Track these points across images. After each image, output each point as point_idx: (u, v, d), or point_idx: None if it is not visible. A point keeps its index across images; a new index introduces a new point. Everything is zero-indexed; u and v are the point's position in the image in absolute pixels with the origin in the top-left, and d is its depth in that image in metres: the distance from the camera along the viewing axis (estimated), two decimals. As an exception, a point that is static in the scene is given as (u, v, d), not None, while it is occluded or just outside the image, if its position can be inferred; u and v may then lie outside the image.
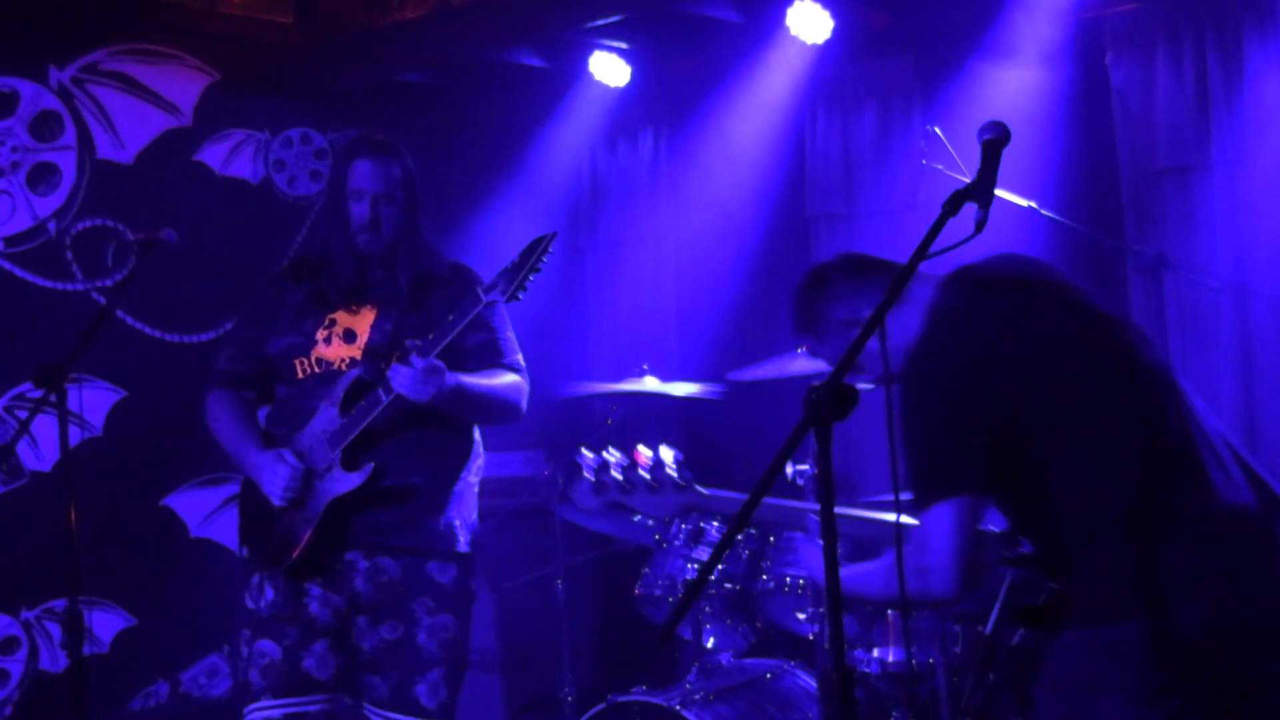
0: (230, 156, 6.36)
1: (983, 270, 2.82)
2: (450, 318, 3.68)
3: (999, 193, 2.64)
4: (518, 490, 5.77)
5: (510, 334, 4.03)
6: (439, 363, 3.68)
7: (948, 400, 2.64)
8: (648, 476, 3.10)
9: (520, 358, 4.03)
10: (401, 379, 3.66)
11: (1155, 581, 2.57)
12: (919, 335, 2.75)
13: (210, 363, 4.12)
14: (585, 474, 3.13)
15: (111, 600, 5.90)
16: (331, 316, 3.92)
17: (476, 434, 4.02)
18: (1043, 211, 4.76)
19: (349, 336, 3.89)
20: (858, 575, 2.84)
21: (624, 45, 6.01)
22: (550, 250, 3.66)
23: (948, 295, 2.76)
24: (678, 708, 4.20)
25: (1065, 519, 2.63)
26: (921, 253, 2.51)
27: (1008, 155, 2.70)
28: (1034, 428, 2.62)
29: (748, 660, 4.79)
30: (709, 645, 4.85)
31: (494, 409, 3.92)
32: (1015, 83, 5.37)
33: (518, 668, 5.88)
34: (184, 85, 6.25)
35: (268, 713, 3.80)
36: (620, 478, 3.11)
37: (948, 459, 2.62)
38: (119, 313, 5.97)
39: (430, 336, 3.68)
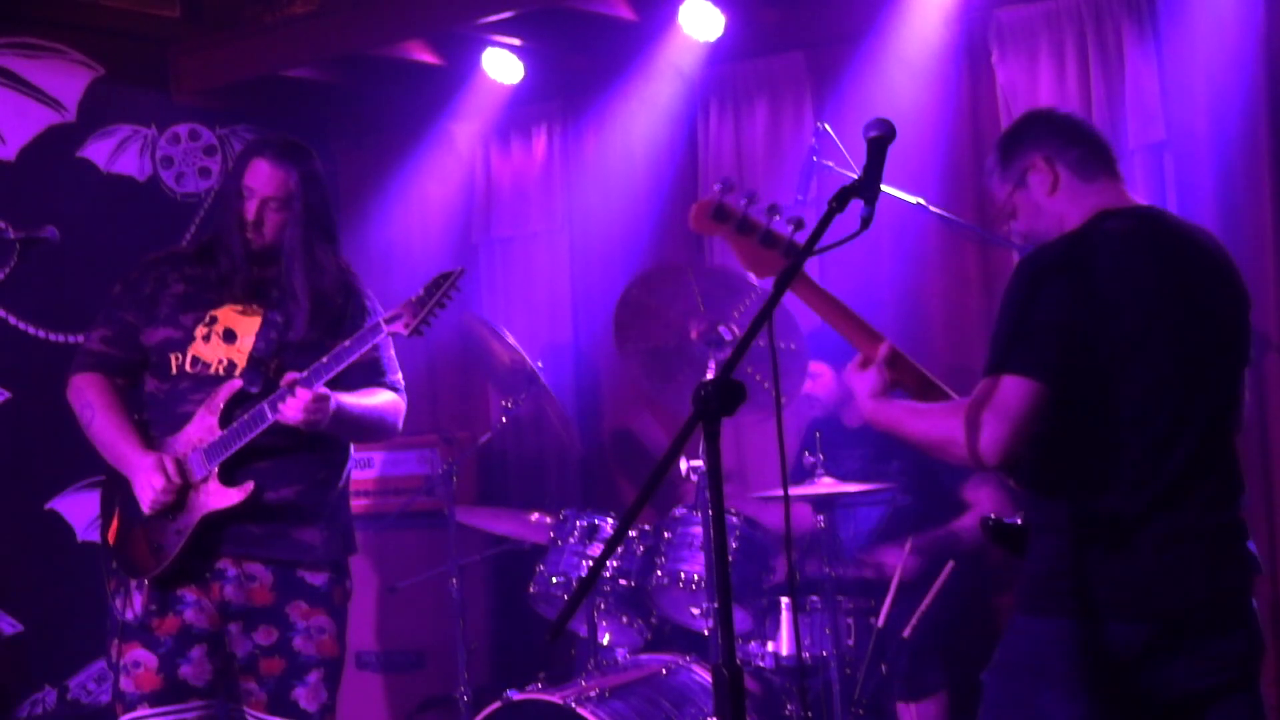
0: (116, 153, 6.24)
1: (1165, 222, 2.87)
2: (346, 344, 3.64)
3: (887, 189, 2.68)
4: (413, 488, 5.73)
5: (391, 352, 3.98)
6: (325, 391, 3.63)
7: (1073, 303, 2.65)
8: (773, 228, 2.92)
9: (400, 377, 3.99)
10: (289, 410, 3.60)
11: (1116, 588, 2.64)
12: (1077, 231, 2.79)
13: (81, 343, 3.96)
14: (734, 192, 2.94)
15: (-4, 606, 5.79)
16: (214, 313, 3.82)
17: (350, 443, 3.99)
18: (931, 208, 4.82)
19: (229, 336, 3.80)
20: (916, 410, 2.83)
21: (517, 42, 5.99)
22: (458, 287, 3.63)
23: (1125, 223, 2.80)
24: (573, 705, 4.20)
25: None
26: (809, 248, 2.54)
27: (897, 152, 2.74)
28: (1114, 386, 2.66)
29: (643, 656, 4.80)
30: (604, 642, 4.86)
31: (373, 429, 3.89)
32: (904, 80, 5.44)
33: (412, 668, 5.85)
34: (67, 80, 6.13)
35: None
36: (760, 219, 2.93)
37: (1049, 347, 2.63)
38: (1, 312, 5.85)
39: (324, 361, 3.63)
